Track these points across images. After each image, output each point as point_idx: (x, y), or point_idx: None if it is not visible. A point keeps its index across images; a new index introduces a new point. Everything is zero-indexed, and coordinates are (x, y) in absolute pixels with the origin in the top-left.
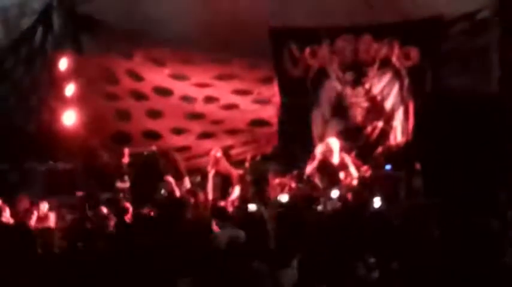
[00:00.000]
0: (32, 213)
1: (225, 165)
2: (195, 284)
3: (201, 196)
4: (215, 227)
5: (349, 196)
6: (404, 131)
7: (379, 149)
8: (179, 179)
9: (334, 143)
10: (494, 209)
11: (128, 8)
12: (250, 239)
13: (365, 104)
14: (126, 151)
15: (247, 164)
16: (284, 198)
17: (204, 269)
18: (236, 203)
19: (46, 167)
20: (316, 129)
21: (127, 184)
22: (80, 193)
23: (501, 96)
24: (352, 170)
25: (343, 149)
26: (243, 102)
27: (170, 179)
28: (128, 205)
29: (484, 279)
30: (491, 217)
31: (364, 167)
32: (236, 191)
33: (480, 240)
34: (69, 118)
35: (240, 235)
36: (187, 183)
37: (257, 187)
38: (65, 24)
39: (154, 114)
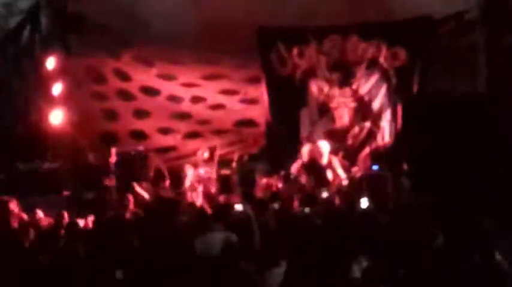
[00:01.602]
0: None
1: None
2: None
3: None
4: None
5: (337, 196)
6: (392, 131)
7: (367, 150)
8: (161, 181)
9: (324, 146)
10: (482, 209)
11: (115, 8)
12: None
13: (352, 104)
14: (113, 150)
15: (234, 164)
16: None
17: (194, 272)
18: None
19: (32, 166)
20: (303, 129)
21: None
22: (66, 193)
23: (488, 96)
24: (340, 171)
25: (331, 150)
26: (230, 102)
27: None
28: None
29: (474, 277)
30: (478, 216)
31: (352, 168)
32: None
33: (467, 239)
34: (57, 118)
35: (233, 237)
36: (168, 185)
37: (244, 187)
38: (52, 23)
39: (142, 114)
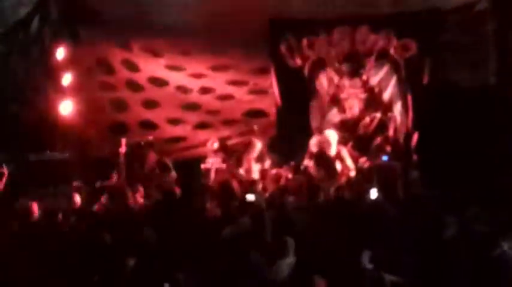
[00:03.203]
0: None
1: None
2: (193, 276)
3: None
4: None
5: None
6: (402, 122)
7: (377, 141)
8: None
9: (332, 135)
10: (491, 201)
11: None
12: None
13: (362, 95)
14: (123, 141)
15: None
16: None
17: (204, 261)
18: None
19: (42, 157)
20: (314, 120)
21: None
22: (76, 183)
23: (498, 88)
24: (349, 162)
25: (340, 140)
26: (239, 92)
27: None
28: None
29: (479, 270)
30: (488, 209)
31: (362, 159)
32: None
33: (476, 231)
34: (66, 108)
35: (246, 222)
36: (174, 176)
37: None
38: (62, 13)
39: (151, 104)
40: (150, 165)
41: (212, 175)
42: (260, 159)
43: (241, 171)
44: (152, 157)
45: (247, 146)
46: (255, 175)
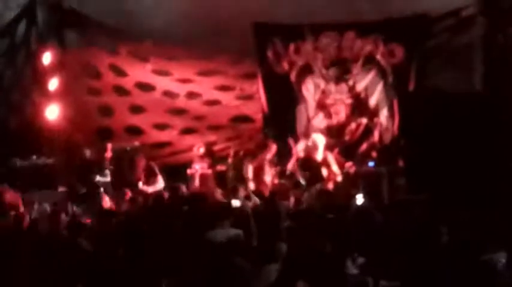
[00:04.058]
0: None
1: None
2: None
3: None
4: None
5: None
6: (388, 128)
7: (363, 146)
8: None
9: (319, 138)
10: (479, 205)
11: (112, 3)
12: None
13: (349, 101)
14: (109, 146)
15: (230, 160)
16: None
17: (189, 266)
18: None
19: (28, 162)
20: (300, 125)
21: (107, 178)
22: (62, 188)
23: (485, 93)
24: (335, 167)
25: (326, 146)
26: (226, 98)
27: None
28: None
29: (467, 273)
30: (474, 214)
31: (348, 164)
32: None
33: (462, 236)
34: (52, 113)
35: (239, 234)
36: (161, 182)
37: (240, 183)
38: (48, 18)
39: (137, 109)
40: (138, 170)
41: (197, 180)
42: (273, 162)
43: (250, 171)
44: (141, 162)
45: (265, 148)
46: (268, 177)
